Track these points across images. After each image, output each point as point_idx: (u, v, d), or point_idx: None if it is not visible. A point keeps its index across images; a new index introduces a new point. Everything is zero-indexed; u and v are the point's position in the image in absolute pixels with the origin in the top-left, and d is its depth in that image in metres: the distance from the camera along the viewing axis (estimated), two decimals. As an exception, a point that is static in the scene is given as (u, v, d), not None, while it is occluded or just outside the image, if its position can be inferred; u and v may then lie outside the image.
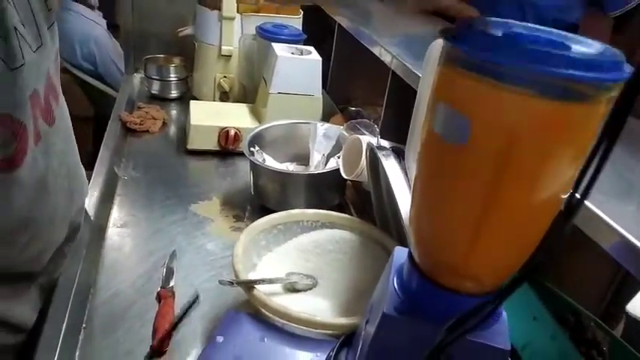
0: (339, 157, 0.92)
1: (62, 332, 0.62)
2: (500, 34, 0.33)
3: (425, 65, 0.44)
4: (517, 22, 0.37)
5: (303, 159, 1.04)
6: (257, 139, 1.00)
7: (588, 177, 0.24)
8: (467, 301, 0.39)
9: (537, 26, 0.37)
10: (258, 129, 1.02)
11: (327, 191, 0.96)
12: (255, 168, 0.95)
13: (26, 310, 0.63)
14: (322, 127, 1.01)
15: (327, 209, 0.82)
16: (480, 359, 0.40)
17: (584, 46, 0.33)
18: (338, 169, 0.89)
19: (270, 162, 1.01)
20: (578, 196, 0.29)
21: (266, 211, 0.81)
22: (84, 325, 0.67)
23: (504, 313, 0.43)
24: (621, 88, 0.32)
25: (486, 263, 0.38)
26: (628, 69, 0.32)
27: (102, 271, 0.77)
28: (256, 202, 0.98)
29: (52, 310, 0.65)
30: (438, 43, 0.41)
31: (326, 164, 1.00)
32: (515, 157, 0.33)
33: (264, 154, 1.01)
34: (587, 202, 0.49)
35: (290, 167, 1.05)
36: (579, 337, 0.62)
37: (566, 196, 0.38)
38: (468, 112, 0.33)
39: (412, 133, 0.48)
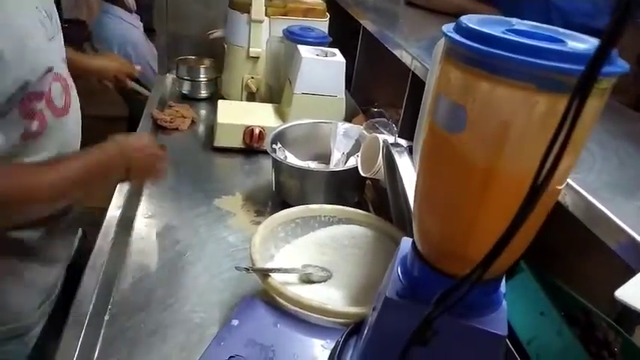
0: (358, 156, 0.94)
1: (89, 312, 0.67)
2: (498, 30, 0.34)
3: (432, 62, 0.46)
4: (520, 21, 0.39)
5: (324, 157, 1.07)
6: (280, 137, 1.04)
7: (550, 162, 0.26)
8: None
9: (540, 24, 0.39)
10: (280, 127, 1.05)
11: (347, 189, 0.98)
12: (277, 164, 0.98)
13: (58, 246, 0.80)
14: (343, 127, 1.04)
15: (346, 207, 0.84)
16: (479, 344, 0.42)
17: (580, 42, 0.35)
18: (357, 168, 0.91)
19: (292, 159, 1.04)
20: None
21: (286, 206, 0.84)
22: (110, 307, 0.71)
23: (504, 302, 0.45)
24: (613, 81, 0.34)
25: (484, 249, 0.39)
26: (621, 63, 0.33)
27: (129, 257, 0.82)
28: (277, 198, 1.01)
29: (81, 291, 0.70)
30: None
31: (346, 162, 1.02)
32: (508, 146, 0.34)
33: (286, 151, 1.04)
34: (593, 200, 0.50)
35: (311, 165, 1.07)
36: (589, 336, 0.62)
37: (562, 186, 0.40)
38: (464, 103, 0.34)
39: (419, 128, 0.50)
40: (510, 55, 0.31)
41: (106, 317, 0.69)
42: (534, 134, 0.33)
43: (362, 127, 0.99)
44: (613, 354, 0.61)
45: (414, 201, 0.45)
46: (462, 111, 0.35)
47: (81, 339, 0.62)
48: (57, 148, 0.70)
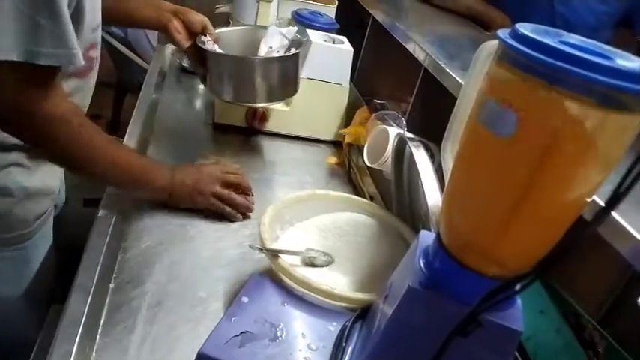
0: (292, 54, 0.99)
1: (95, 280, 0.67)
2: (553, 41, 0.36)
3: (473, 63, 0.47)
4: (568, 34, 0.40)
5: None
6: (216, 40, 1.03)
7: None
8: (488, 282, 0.43)
9: (583, 38, 0.40)
10: (217, 31, 1.05)
11: (281, 80, 0.99)
12: (207, 56, 0.97)
13: (52, 180, 0.85)
14: (279, 28, 1.06)
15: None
16: (498, 338, 0.44)
17: (627, 60, 0.37)
18: (289, 57, 0.97)
19: None
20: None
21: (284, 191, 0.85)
22: (114, 275, 0.71)
23: (519, 300, 0.47)
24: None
25: (513, 250, 0.42)
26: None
27: (132, 228, 0.81)
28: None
29: (85, 260, 0.70)
30: (489, 45, 0.44)
31: None
32: (554, 155, 0.36)
33: (215, 45, 1.02)
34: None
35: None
36: (579, 337, 0.65)
37: (590, 199, 0.42)
38: (517, 109, 0.36)
39: (450, 127, 0.52)
40: (574, 69, 0.33)
41: (111, 285, 0.69)
42: (583, 147, 0.35)
43: (296, 29, 1.05)
44: (597, 354, 0.65)
45: (444, 197, 0.46)
46: (512, 116, 0.36)
47: (88, 304, 0.62)
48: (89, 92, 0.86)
